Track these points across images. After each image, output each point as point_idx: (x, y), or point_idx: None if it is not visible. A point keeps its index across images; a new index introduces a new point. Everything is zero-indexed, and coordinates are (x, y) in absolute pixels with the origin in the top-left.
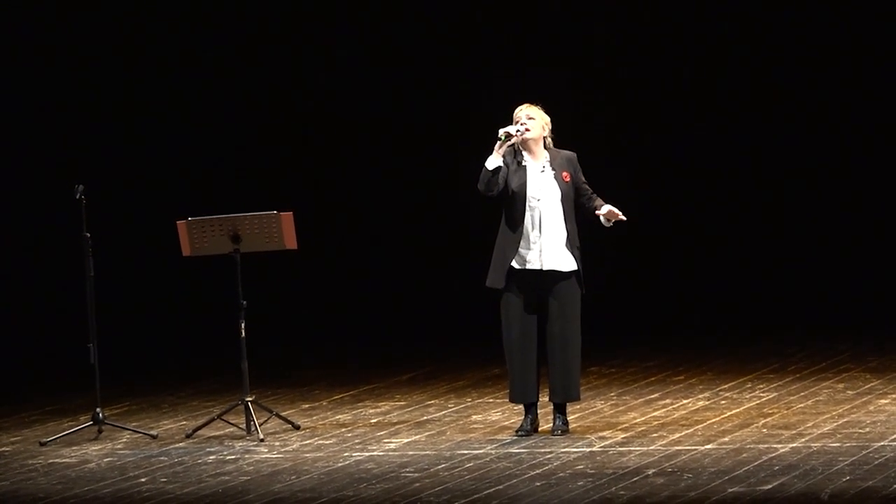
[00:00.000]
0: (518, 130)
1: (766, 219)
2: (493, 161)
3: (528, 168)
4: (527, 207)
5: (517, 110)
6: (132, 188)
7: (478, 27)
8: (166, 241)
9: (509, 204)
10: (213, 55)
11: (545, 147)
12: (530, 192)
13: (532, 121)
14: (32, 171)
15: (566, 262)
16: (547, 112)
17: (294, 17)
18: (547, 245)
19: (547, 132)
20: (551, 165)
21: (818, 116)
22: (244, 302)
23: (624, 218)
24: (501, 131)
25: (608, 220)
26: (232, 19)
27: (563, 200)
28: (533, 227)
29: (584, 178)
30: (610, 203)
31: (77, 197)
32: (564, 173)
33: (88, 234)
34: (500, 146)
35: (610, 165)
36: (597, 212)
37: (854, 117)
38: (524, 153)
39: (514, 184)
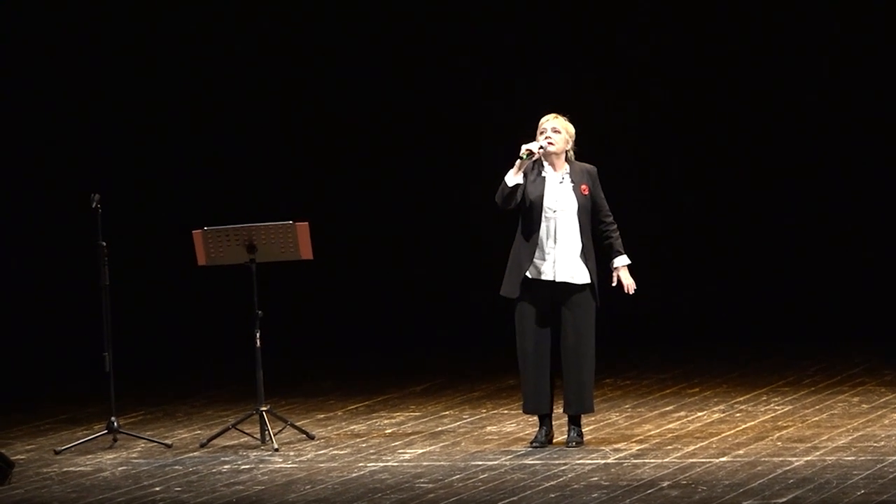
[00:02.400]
0: (541, 147)
1: (781, 231)
2: (514, 179)
3: (547, 179)
4: (543, 218)
5: (543, 120)
6: (148, 197)
7: (492, 32)
8: (182, 250)
9: (526, 214)
10: (230, 64)
11: (566, 159)
12: (547, 202)
13: (557, 134)
14: (48, 179)
15: (580, 275)
16: (572, 122)
17: (309, 27)
18: (561, 257)
19: (570, 145)
20: (570, 178)
21: (836, 128)
22: (259, 312)
23: (631, 291)
24: (524, 149)
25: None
26: (248, 28)
27: (579, 213)
28: (548, 238)
29: (603, 195)
30: (621, 219)
31: (93, 206)
32: (583, 186)
33: (104, 243)
34: (521, 165)
35: (625, 176)
36: (613, 269)
37: (873, 128)
38: (545, 163)
39: (532, 194)
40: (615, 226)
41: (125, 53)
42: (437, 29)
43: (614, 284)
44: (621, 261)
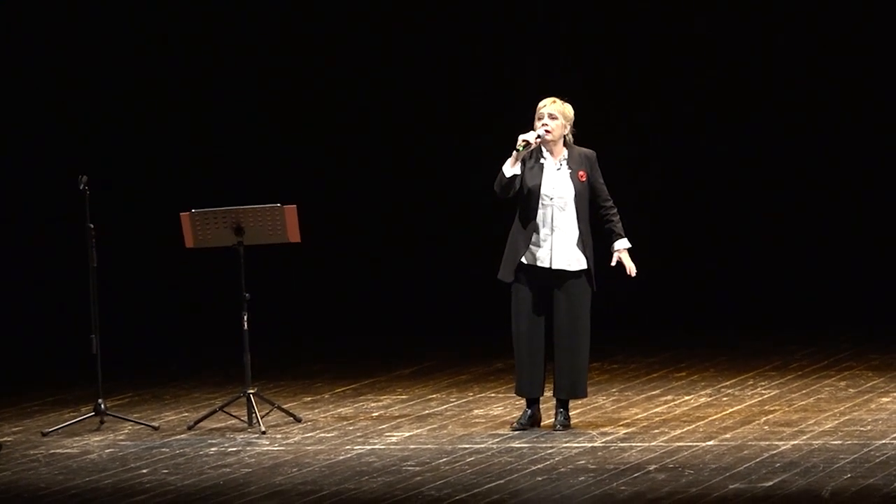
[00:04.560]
0: (538, 136)
1: (769, 216)
2: (511, 169)
3: (545, 165)
4: (540, 205)
5: (541, 105)
6: (136, 179)
7: (486, 21)
8: (169, 232)
9: (524, 200)
10: (218, 46)
11: (564, 144)
12: (544, 189)
13: (554, 120)
14: (36, 161)
15: (575, 262)
16: (571, 103)
17: (299, 8)
18: (558, 243)
19: (568, 130)
20: (568, 164)
21: (820, 115)
22: (247, 294)
23: (632, 274)
24: (520, 139)
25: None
26: (237, 10)
27: (576, 199)
28: (544, 225)
29: (602, 180)
30: (617, 207)
31: (80, 188)
32: (581, 172)
33: (92, 225)
34: (518, 156)
35: (622, 164)
36: (613, 251)
37: (857, 116)
38: (543, 150)
39: (530, 181)
40: (615, 209)
41: (114, 36)
42: (433, 12)
43: (613, 265)
44: (622, 244)
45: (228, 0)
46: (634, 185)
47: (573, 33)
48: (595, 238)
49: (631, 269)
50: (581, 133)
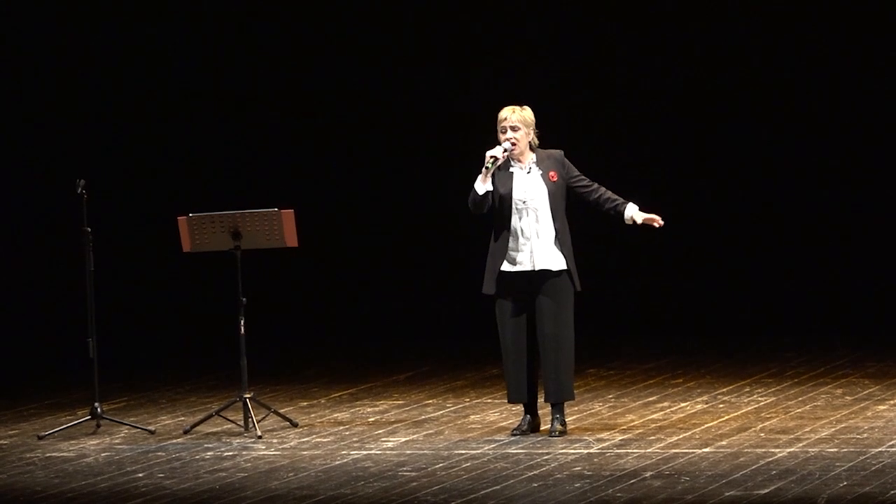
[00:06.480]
0: (505, 150)
1: (765, 223)
2: (483, 186)
3: (514, 172)
4: (514, 210)
5: (501, 118)
6: (133, 183)
7: (479, 25)
8: (167, 236)
9: (498, 209)
10: (215, 50)
11: (531, 149)
12: (516, 194)
13: (517, 132)
14: (34, 165)
15: (556, 262)
16: (532, 107)
17: (297, 13)
18: (536, 246)
19: (532, 136)
20: (538, 166)
21: (819, 119)
22: (244, 299)
23: (661, 222)
24: (488, 156)
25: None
26: (235, 14)
27: (550, 200)
28: (521, 229)
29: (578, 172)
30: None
31: (78, 191)
32: (551, 172)
33: (89, 229)
34: (488, 172)
35: (609, 165)
36: (634, 220)
37: (856, 120)
38: (510, 159)
39: (501, 188)
40: (602, 187)
41: (111, 40)
42: (421, 17)
43: (640, 222)
44: (631, 209)
45: (226, 1)
46: (629, 189)
47: (564, 37)
48: (574, 237)
49: (656, 219)
50: (579, 134)
